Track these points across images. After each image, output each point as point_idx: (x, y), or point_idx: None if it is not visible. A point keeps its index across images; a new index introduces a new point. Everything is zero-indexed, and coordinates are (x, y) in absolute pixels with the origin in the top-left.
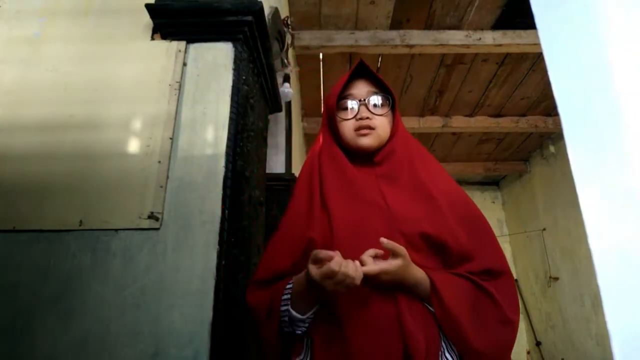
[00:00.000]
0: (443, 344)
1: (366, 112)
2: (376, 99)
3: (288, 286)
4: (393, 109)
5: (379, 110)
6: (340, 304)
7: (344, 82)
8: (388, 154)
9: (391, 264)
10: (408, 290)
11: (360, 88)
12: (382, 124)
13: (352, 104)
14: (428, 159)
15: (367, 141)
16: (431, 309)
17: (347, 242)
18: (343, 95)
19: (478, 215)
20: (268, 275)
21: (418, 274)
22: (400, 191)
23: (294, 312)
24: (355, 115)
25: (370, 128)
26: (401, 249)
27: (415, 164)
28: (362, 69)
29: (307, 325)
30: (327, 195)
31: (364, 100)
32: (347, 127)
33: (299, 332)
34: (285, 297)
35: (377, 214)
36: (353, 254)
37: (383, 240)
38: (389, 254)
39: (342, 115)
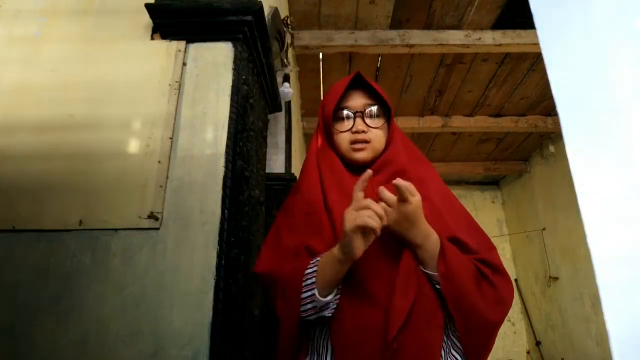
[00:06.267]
0: (448, 342)
1: (362, 126)
2: (373, 112)
3: (309, 271)
4: (390, 119)
5: (375, 123)
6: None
7: (341, 94)
8: (383, 165)
9: (415, 190)
10: (418, 242)
11: (357, 100)
12: (377, 137)
13: (348, 115)
14: (422, 165)
15: (362, 155)
16: (437, 286)
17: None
18: (340, 106)
19: (470, 219)
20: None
21: (430, 228)
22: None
23: (320, 298)
24: (351, 128)
25: (366, 142)
26: (415, 190)
27: (409, 170)
28: (359, 80)
29: (335, 307)
30: (332, 207)
31: (361, 112)
32: (343, 139)
33: (329, 314)
34: (308, 282)
35: None
36: (372, 266)
37: (396, 181)
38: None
39: (338, 127)
